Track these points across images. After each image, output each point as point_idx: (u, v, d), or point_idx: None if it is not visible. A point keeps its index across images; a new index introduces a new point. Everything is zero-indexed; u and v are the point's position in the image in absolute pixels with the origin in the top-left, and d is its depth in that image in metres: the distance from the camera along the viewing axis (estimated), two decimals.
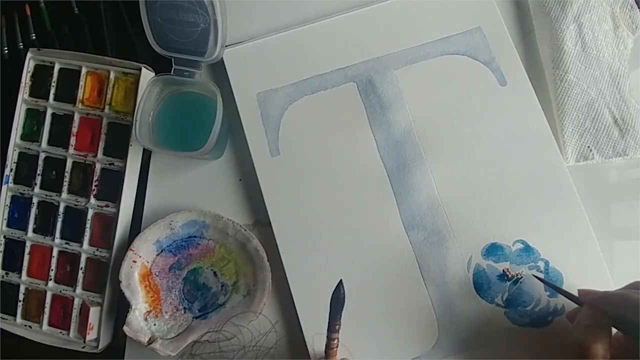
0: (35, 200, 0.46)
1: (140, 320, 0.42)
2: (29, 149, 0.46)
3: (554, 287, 0.40)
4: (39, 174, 0.46)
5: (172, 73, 0.43)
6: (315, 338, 0.41)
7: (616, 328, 0.34)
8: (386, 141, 0.45)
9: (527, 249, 0.42)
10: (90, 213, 0.45)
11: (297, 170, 0.44)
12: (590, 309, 0.35)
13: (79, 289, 0.44)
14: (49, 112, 0.46)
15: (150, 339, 0.41)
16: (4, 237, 0.46)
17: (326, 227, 0.43)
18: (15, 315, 0.45)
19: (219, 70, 0.47)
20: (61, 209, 0.45)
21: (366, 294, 0.42)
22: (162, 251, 0.44)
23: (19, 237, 0.46)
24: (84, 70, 0.46)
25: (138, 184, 0.46)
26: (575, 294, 0.38)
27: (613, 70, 0.45)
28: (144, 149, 0.45)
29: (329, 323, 0.36)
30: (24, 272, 0.45)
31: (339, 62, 0.46)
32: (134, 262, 0.43)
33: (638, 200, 0.45)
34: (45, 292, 0.45)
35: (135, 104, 0.44)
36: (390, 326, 0.41)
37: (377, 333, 0.41)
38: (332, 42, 0.47)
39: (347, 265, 0.42)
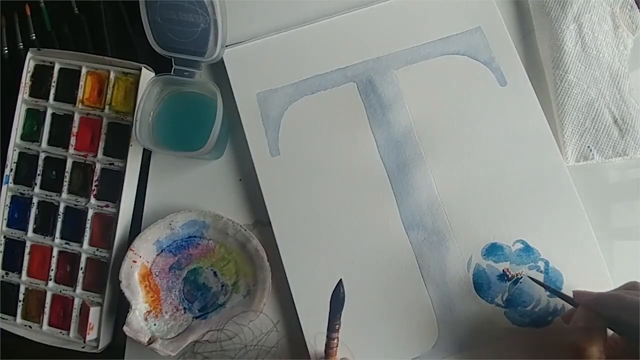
0: (35, 200, 0.46)
1: (140, 320, 0.42)
2: (29, 149, 0.46)
3: (549, 289, 0.40)
4: (39, 174, 0.46)
5: (172, 73, 0.43)
6: (315, 337, 0.41)
7: (611, 329, 0.34)
8: (386, 141, 0.45)
9: (527, 249, 0.42)
10: (90, 213, 0.45)
11: (297, 170, 0.44)
12: (585, 310, 0.35)
13: (79, 289, 0.44)
14: (49, 112, 0.46)
15: (150, 339, 0.41)
16: (4, 237, 0.46)
17: (326, 227, 0.43)
18: (15, 315, 0.45)
19: (219, 70, 0.47)
20: (61, 209, 0.45)
21: (366, 294, 0.42)
22: (162, 251, 0.44)
23: (19, 237, 0.46)
24: (84, 70, 0.46)
25: (138, 184, 0.46)
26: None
27: (613, 70, 0.45)
28: (144, 149, 0.45)
29: (328, 322, 0.36)
30: (24, 272, 0.45)
31: (339, 62, 0.46)
32: (134, 262, 0.43)
33: (638, 200, 0.45)
34: (45, 292, 0.45)
35: (135, 104, 0.44)
36: (390, 326, 0.41)
37: (377, 333, 0.41)
38: (332, 42, 0.47)
39: (347, 265, 0.42)
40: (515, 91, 0.45)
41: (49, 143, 0.46)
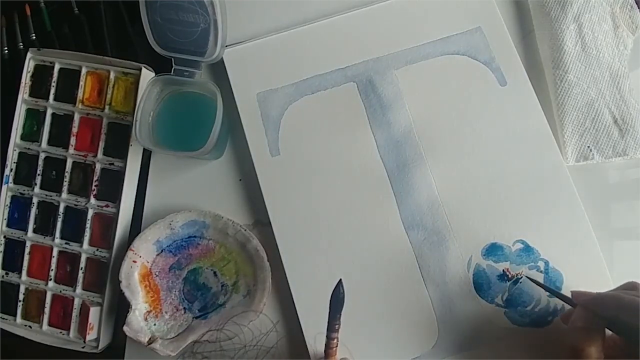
0: (35, 200, 0.46)
1: (140, 320, 0.42)
2: (29, 149, 0.46)
3: (547, 289, 0.40)
4: (39, 174, 0.46)
5: (172, 73, 0.43)
6: (315, 338, 0.41)
7: (609, 329, 0.34)
8: (386, 141, 0.45)
9: (527, 249, 0.42)
10: (90, 213, 0.45)
11: (297, 170, 0.44)
12: (583, 310, 0.35)
13: (79, 289, 0.44)
14: (49, 112, 0.46)
15: (150, 339, 0.41)
16: (4, 237, 0.46)
17: (326, 227, 0.43)
18: (15, 315, 0.45)
19: (219, 70, 0.47)
20: (61, 209, 0.45)
21: (366, 294, 0.42)
22: (162, 251, 0.44)
23: (19, 237, 0.46)
24: (84, 70, 0.46)
25: (138, 184, 0.46)
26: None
27: (613, 70, 0.45)
28: (144, 149, 0.45)
29: (328, 322, 0.36)
30: (24, 272, 0.45)
31: (339, 62, 0.46)
32: (134, 262, 0.43)
33: (638, 200, 0.45)
34: (45, 292, 0.45)
35: (135, 104, 0.44)
36: (390, 326, 0.41)
37: (377, 333, 0.41)
38: (332, 42, 0.47)
39: (347, 265, 0.42)
40: (515, 91, 0.45)
41: (49, 143, 0.46)
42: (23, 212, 0.46)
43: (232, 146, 0.47)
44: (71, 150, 0.45)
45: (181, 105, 0.44)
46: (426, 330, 0.41)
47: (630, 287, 0.35)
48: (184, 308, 0.43)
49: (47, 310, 0.44)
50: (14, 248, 0.46)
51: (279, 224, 0.43)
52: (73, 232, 0.45)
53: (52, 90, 0.46)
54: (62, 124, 0.46)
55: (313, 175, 0.44)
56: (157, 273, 0.44)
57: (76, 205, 0.45)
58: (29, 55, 0.46)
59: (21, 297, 0.45)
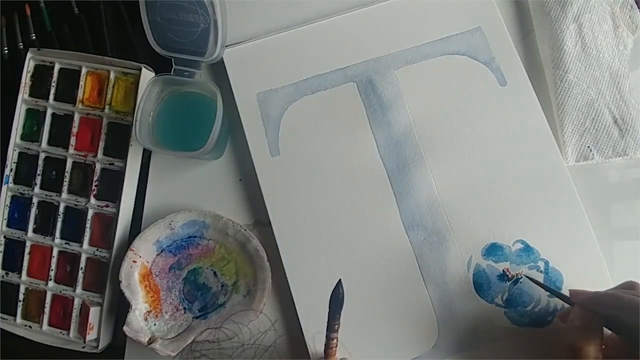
0: (35, 200, 0.46)
1: (140, 320, 0.42)
2: (29, 149, 0.46)
3: (546, 288, 0.40)
4: (39, 174, 0.46)
5: (172, 73, 0.43)
6: (315, 337, 0.41)
7: (608, 328, 0.34)
8: (386, 141, 0.45)
9: (527, 249, 0.42)
10: (90, 213, 0.45)
11: (297, 170, 0.44)
12: (581, 309, 0.35)
13: (79, 289, 0.44)
14: (49, 112, 0.46)
15: (150, 339, 0.41)
16: (4, 237, 0.46)
17: (326, 227, 0.43)
18: (15, 315, 0.45)
19: (219, 70, 0.47)
20: (61, 209, 0.45)
21: (366, 294, 0.42)
22: (162, 251, 0.44)
23: (19, 237, 0.46)
24: (84, 70, 0.46)
25: (138, 184, 0.46)
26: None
27: (613, 70, 0.45)
28: (144, 149, 0.45)
29: (328, 322, 0.36)
30: (24, 272, 0.45)
31: (339, 62, 0.46)
32: (134, 262, 0.43)
33: (638, 200, 0.45)
34: (45, 292, 0.45)
35: (135, 104, 0.44)
36: (390, 326, 0.41)
37: (377, 333, 0.41)
38: (332, 42, 0.47)
39: (347, 265, 0.42)
40: (515, 91, 0.45)
41: (49, 143, 0.46)
42: (23, 212, 0.46)
43: (232, 146, 0.47)
44: (71, 150, 0.45)
45: (181, 105, 0.44)
46: (426, 330, 0.41)
47: (629, 286, 0.35)
48: (184, 308, 0.43)
49: (47, 310, 0.44)
50: (14, 248, 0.46)
51: (279, 224, 0.43)
52: (73, 232, 0.45)
53: (52, 90, 0.46)
54: (62, 124, 0.46)
55: (313, 175, 0.44)
56: (157, 273, 0.44)
57: (76, 205, 0.45)
58: (29, 55, 0.46)
59: (21, 297, 0.45)
